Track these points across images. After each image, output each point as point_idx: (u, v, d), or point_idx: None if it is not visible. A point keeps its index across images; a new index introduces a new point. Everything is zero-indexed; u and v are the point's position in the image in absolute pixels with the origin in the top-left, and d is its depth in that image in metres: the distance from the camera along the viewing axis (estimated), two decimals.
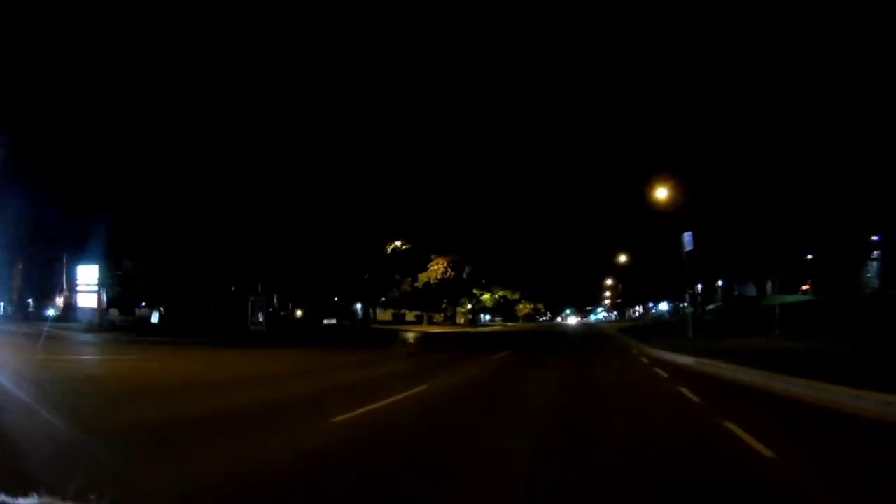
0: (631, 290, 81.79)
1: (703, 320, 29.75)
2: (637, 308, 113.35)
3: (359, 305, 72.59)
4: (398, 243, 47.83)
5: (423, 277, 52.77)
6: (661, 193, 31.57)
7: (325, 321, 47.87)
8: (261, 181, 36.58)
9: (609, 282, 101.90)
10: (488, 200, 78.36)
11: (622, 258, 71.03)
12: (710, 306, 60.42)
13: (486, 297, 79.74)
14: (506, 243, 70.07)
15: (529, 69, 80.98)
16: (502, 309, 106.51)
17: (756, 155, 34.77)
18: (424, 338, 38.44)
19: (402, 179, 47.13)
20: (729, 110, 35.95)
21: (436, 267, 52.74)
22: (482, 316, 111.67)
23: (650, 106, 46.49)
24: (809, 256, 53.73)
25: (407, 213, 47.13)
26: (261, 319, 37.58)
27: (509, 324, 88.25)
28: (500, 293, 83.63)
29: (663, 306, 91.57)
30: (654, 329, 35.03)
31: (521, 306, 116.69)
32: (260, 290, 38.25)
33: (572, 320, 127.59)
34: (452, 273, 53.64)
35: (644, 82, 48.22)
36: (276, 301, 44.67)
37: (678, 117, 42.97)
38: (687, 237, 18.12)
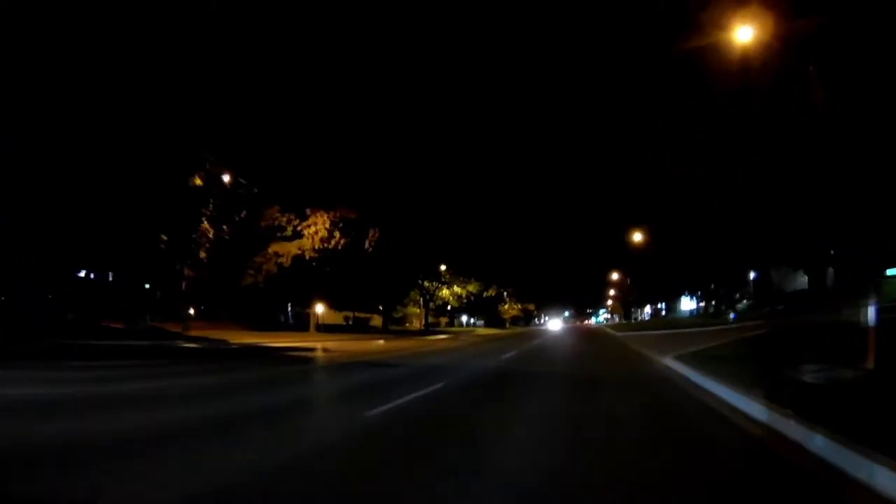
0: (646, 283, 59.36)
1: None
2: (646, 309, 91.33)
3: (319, 308, 49.49)
4: (227, 178, 24.96)
5: (290, 247, 29.03)
6: (746, 34, 14.48)
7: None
8: None
9: (614, 276, 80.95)
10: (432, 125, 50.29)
11: (636, 236, 50.05)
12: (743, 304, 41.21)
13: (444, 292, 56.85)
14: (458, 202, 45.23)
15: None
16: (482, 309, 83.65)
17: None
18: None
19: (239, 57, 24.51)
20: None
21: (313, 228, 29.14)
22: (465, 318, 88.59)
23: None
24: None
25: (243, 121, 24.47)
26: None
27: (481, 330, 65.73)
28: (469, 287, 60.75)
29: (687, 304, 69.50)
30: None
31: (506, 306, 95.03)
32: None
33: (555, 325, 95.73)
34: (343, 240, 30.02)
35: None
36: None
37: None
38: None
